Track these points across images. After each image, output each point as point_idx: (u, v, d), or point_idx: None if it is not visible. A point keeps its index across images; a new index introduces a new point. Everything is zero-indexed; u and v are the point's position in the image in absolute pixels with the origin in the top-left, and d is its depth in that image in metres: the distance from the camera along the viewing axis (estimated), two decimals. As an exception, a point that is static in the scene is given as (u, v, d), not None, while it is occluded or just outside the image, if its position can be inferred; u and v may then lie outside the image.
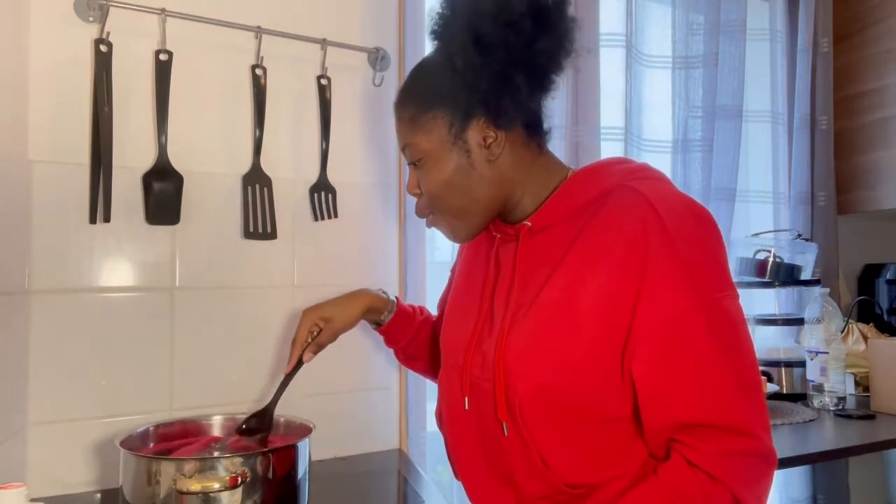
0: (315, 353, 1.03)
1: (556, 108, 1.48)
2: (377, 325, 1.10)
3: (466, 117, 0.82)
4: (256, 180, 1.21)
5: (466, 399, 0.88)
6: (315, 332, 1.04)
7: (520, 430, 0.80)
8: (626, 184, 0.81)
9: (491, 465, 0.86)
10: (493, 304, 0.88)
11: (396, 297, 1.11)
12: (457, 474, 0.94)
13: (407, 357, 1.16)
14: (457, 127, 0.83)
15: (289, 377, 1.01)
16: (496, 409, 0.82)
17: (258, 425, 1.01)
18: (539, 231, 0.85)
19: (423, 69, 0.88)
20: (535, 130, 0.87)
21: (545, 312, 0.80)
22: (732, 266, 1.72)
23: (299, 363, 1.02)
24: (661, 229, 0.74)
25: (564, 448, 0.79)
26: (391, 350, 1.22)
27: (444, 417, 0.96)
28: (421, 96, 0.85)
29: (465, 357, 0.89)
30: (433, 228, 0.92)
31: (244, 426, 1.00)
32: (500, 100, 0.80)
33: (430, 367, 1.15)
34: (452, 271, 1.07)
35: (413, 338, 1.11)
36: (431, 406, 1.33)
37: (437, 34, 0.84)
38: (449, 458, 0.96)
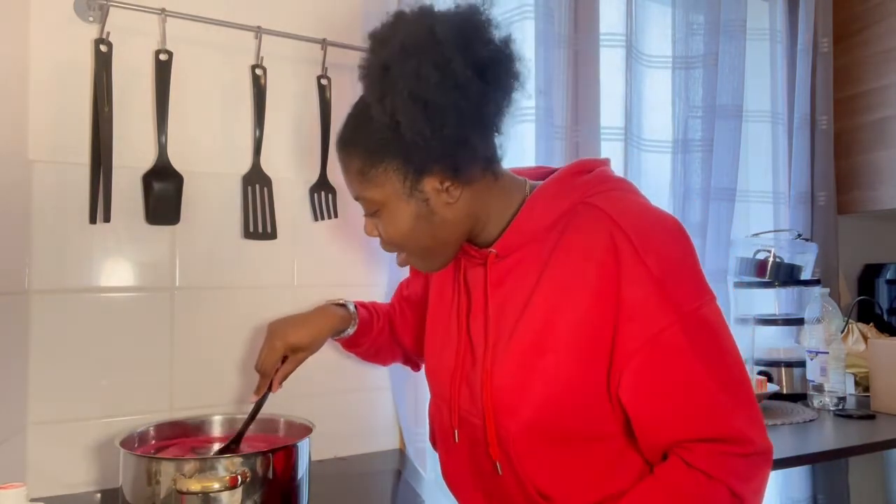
0: (281, 382, 1.01)
1: (556, 108, 1.48)
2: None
3: (421, 171, 0.78)
4: (256, 180, 1.21)
5: (456, 432, 0.88)
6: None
7: (513, 467, 0.79)
8: (587, 201, 0.79)
9: (489, 497, 0.86)
10: (471, 332, 0.87)
11: (355, 306, 1.07)
12: (458, 500, 0.94)
13: (366, 356, 1.15)
14: (411, 179, 0.79)
15: (260, 404, 0.99)
16: (487, 448, 0.82)
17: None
18: (505, 256, 0.83)
19: (365, 119, 0.79)
20: (490, 163, 0.82)
21: (525, 345, 0.79)
22: (732, 266, 1.73)
23: (267, 391, 0.99)
24: (631, 250, 0.73)
25: (560, 475, 0.79)
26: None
27: (438, 445, 0.96)
28: (367, 149, 0.79)
29: (451, 390, 0.88)
30: None
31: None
32: (456, 159, 0.76)
33: (389, 360, 1.18)
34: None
35: (371, 343, 1.10)
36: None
37: (374, 91, 0.76)
38: (445, 482, 0.96)
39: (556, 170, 0.90)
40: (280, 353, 0.99)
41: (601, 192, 0.80)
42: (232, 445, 0.98)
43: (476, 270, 0.87)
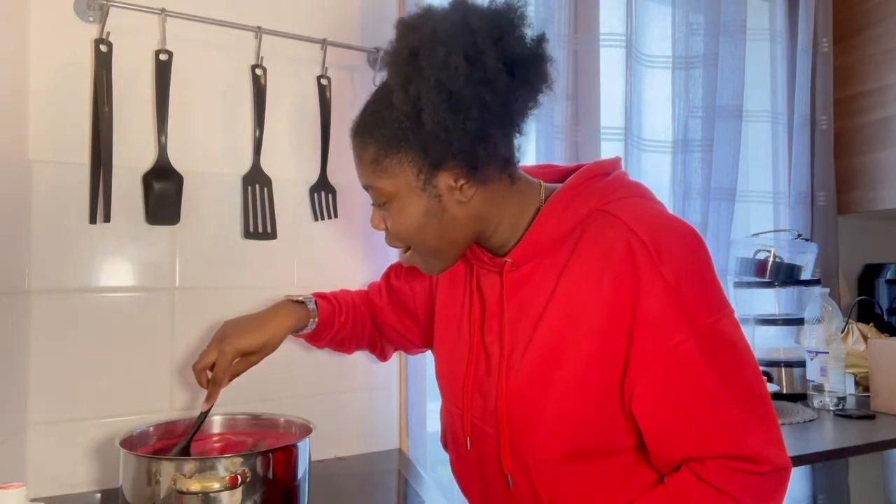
0: (229, 381, 0.97)
1: (556, 108, 1.48)
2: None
3: (437, 165, 0.76)
4: (256, 180, 1.21)
5: (468, 440, 0.87)
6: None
7: (530, 480, 0.79)
8: (603, 208, 0.78)
9: None
10: (485, 339, 0.85)
11: (315, 301, 1.04)
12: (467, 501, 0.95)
13: (329, 347, 1.13)
14: (426, 172, 0.77)
15: (206, 414, 0.96)
16: (500, 461, 0.81)
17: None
18: (521, 265, 0.82)
19: (385, 106, 0.77)
20: (508, 164, 0.81)
21: (541, 356, 0.78)
22: (732, 266, 1.73)
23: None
24: (648, 259, 0.72)
25: (575, 489, 0.79)
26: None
27: (450, 448, 0.96)
28: (383, 138, 0.77)
29: (464, 397, 0.87)
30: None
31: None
32: (475, 155, 0.74)
33: (352, 350, 1.15)
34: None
35: (332, 337, 1.07)
36: (431, 406, 1.33)
37: (399, 76, 0.74)
38: (457, 481, 0.96)
39: (564, 169, 0.89)
40: (230, 359, 0.95)
41: (617, 200, 0.79)
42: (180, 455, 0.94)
43: (491, 278, 0.86)
